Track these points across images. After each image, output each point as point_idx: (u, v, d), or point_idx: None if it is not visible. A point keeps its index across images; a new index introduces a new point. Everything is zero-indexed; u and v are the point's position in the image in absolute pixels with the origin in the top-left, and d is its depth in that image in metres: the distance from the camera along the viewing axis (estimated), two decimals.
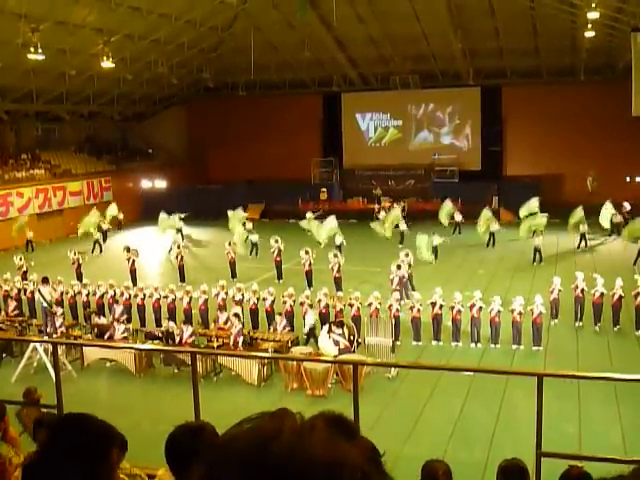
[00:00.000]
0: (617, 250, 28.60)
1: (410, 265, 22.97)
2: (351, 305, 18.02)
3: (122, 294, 20.14)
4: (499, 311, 17.33)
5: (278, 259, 24.98)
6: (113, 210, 35.42)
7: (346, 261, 24.38)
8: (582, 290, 19.15)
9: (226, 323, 17.91)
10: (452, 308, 17.61)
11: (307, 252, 23.53)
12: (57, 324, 17.67)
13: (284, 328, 17.63)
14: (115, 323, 17.88)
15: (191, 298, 19.48)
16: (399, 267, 21.42)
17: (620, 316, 18.47)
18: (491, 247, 29.94)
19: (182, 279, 24.76)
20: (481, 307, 17.54)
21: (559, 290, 18.89)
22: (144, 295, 20.01)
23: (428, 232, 27.26)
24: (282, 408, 1.07)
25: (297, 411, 1.06)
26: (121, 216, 37.13)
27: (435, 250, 26.87)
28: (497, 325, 17.37)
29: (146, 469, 4.70)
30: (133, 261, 25.01)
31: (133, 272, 24.65)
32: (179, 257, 25.72)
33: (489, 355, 17.03)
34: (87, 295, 20.67)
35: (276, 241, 25.39)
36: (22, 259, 25.47)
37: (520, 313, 17.19)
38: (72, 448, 2.08)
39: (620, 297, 18.31)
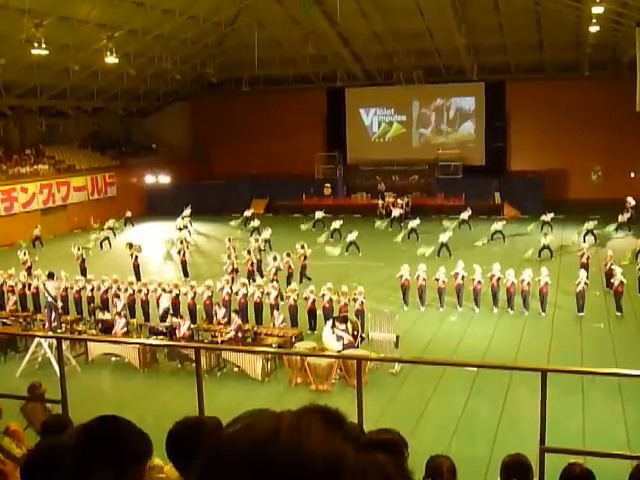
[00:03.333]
0: (623, 245, 28.51)
1: (305, 257, 23.94)
2: (355, 299, 18.16)
3: (126, 289, 20.20)
4: (513, 282, 19.78)
5: (258, 257, 25.11)
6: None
7: (350, 256, 24.45)
8: (588, 258, 22.39)
9: (224, 318, 17.99)
10: (473, 280, 20.12)
11: (280, 254, 24.14)
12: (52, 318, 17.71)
13: (282, 323, 17.67)
14: (117, 317, 17.95)
15: (195, 293, 19.52)
16: (275, 259, 22.95)
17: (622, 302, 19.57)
18: (498, 241, 29.93)
19: (185, 274, 24.84)
20: (499, 277, 20.09)
21: (585, 283, 19.62)
22: (147, 290, 20.06)
23: (432, 228, 27.53)
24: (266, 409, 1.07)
25: (288, 409, 1.05)
26: (129, 214, 37.09)
27: (447, 246, 26.79)
28: (512, 294, 19.85)
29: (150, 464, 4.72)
30: (136, 257, 25.05)
31: (136, 267, 24.68)
32: (182, 252, 25.77)
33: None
34: (91, 290, 20.71)
35: (256, 240, 26.09)
36: (26, 254, 25.51)
37: (529, 283, 19.73)
38: (101, 453, 2.01)
39: (622, 283, 19.51)
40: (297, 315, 18.68)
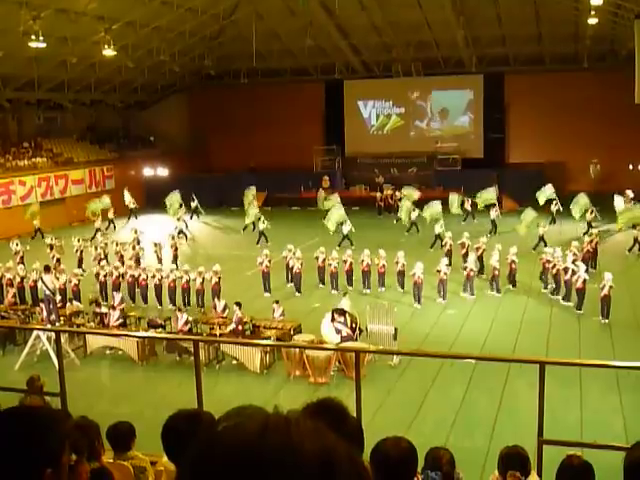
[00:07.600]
0: (621, 239, 28.50)
1: (176, 248, 25.95)
2: (397, 262, 21.10)
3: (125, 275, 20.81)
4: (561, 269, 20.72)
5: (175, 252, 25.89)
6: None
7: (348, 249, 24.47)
8: (597, 243, 23.86)
9: (224, 311, 18.01)
10: (511, 262, 21.34)
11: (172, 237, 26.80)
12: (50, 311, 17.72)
13: (281, 315, 17.68)
14: (111, 310, 17.98)
15: (204, 279, 19.97)
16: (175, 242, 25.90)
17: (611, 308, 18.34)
18: (492, 234, 29.71)
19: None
20: (513, 260, 21.51)
21: (610, 287, 18.19)
22: (147, 276, 20.48)
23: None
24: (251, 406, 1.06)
25: (286, 402, 1.05)
26: (132, 205, 36.94)
27: (439, 237, 26.82)
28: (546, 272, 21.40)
29: (150, 456, 4.72)
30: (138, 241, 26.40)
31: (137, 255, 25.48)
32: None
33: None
34: (101, 276, 21.27)
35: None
36: (18, 244, 25.55)
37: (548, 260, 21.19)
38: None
39: (610, 288, 18.25)
40: (338, 279, 21.69)
